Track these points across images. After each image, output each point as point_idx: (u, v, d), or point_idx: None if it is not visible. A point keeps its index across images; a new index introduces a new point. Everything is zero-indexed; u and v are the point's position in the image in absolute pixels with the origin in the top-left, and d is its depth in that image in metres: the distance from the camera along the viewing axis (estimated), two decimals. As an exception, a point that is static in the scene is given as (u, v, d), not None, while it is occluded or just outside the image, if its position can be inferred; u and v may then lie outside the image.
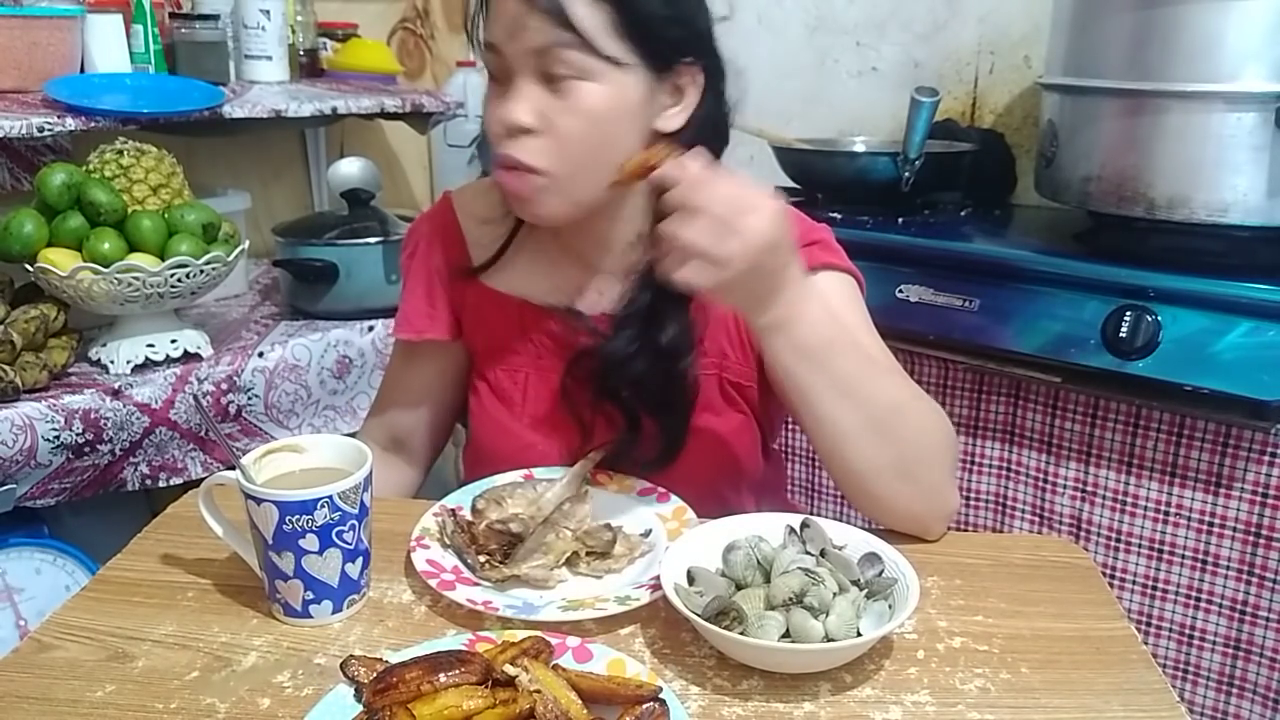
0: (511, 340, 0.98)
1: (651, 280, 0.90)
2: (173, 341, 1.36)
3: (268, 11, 1.68)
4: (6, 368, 1.18)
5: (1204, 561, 1.29)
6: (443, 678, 0.61)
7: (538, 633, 0.68)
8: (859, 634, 0.68)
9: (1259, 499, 1.24)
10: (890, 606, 0.71)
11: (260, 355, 1.43)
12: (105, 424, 1.25)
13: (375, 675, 0.63)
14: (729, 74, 0.90)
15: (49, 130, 1.30)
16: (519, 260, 0.99)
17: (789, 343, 0.79)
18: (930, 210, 1.67)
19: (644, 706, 0.61)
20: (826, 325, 0.80)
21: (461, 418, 1.08)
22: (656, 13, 0.82)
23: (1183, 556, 1.31)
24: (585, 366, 0.94)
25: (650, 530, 0.85)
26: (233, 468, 0.75)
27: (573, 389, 0.96)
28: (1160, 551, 1.33)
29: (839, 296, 0.90)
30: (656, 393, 0.92)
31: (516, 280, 0.99)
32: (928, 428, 0.85)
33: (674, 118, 0.86)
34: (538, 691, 0.60)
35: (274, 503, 0.72)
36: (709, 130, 0.88)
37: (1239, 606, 1.28)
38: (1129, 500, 1.34)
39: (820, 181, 1.74)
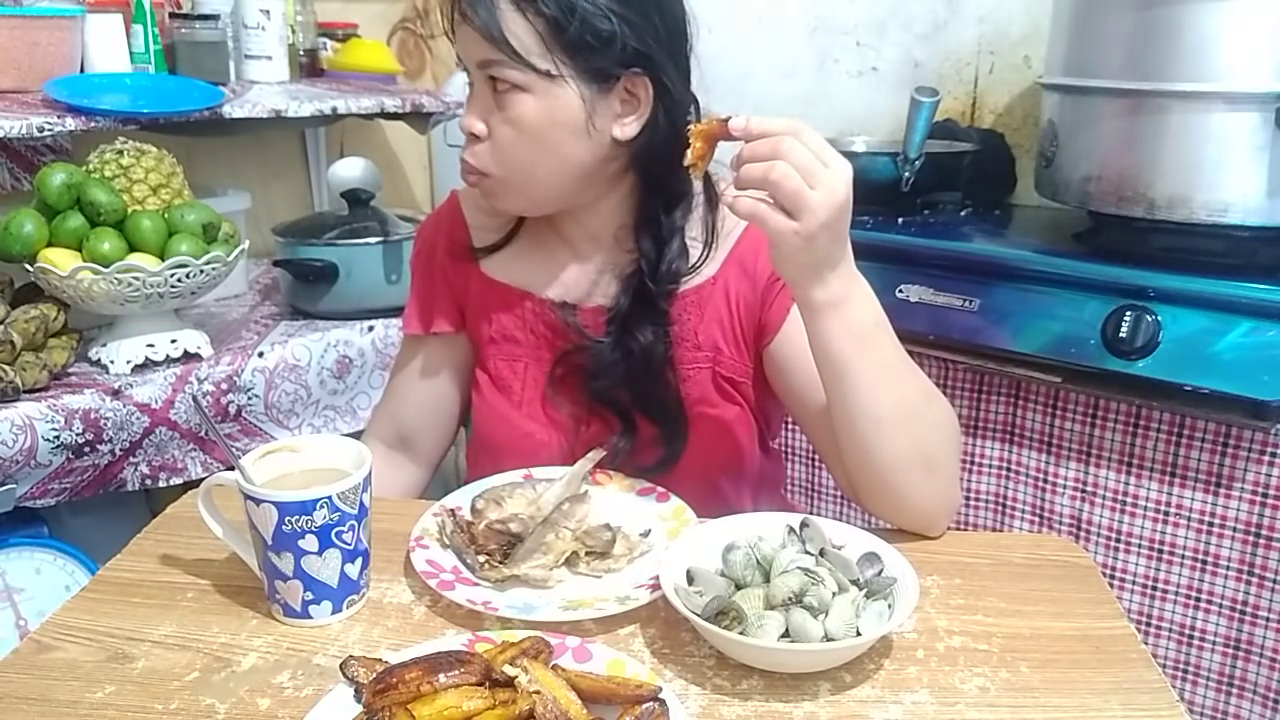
0: (512, 330, 1.00)
1: (632, 283, 0.92)
2: (173, 341, 1.36)
3: (268, 11, 1.68)
4: (6, 368, 1.18)
5: (1204, 561, 1.29)
6: (442, 678, 0.61)
7: (537, 633, 0.68)
8: (858, 634, 0.68)
9: (1259, 499, 1.24)
10: (890, 606, 0.71)
11: (260, 355, 1.43)
12: (105, 424, 1.25)
13: (375, 675, 0.63)
14: (692, 79, 0.90)
15: (49, 130, 1.30)
16: (520, 251, 1.01)
17: (843, 323, 0.78)
18: (930, 210, 1.67)
19: (644, 706, 0.61)
20: (875, 306, 0.81)
21: (465, 416, 1.09)
22: (593, 28, 0.82)
23: (1183, 556, 1.31)
24: (573, 364, 0.96)
25: (650, 530, 0.85)
26: (232, 468, 0.75)
27: (562, 385, 0.97)
28: (1160, 551, 1.33)
29: None
30: (644, 395, 0.93)
31: (517, 271, 1.00)
32: (945, 420, 0.86)
33: (629, 125, 0.87)
34: (537, 692, 0.60)
35: (273, 503, 0.72)
36: (669, 135, 0.87)
37: (1239, 606, 1.28)
38: (1129, 500, 1.34)
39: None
